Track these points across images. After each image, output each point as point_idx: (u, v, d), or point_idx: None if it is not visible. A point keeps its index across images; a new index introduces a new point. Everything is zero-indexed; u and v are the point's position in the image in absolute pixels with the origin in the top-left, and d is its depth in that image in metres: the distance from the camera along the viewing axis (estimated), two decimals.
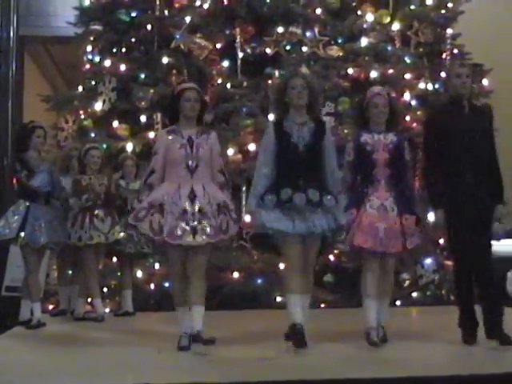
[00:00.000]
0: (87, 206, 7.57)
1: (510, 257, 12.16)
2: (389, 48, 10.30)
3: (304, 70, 9.18)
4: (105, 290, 8.52)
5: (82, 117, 10.18)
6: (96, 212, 7.60)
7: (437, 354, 5.39)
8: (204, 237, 5.48)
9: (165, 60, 9.93)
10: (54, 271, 8.55)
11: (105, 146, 9.25)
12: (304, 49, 9.90)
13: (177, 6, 10.28)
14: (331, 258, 8.80)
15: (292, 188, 5.50)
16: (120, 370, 5.01)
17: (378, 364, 5.06)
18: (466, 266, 5.69)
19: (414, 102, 9.95)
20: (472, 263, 5.66)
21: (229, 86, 9.76)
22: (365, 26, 10.26)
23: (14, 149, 7.55)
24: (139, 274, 8.70)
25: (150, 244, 7.91)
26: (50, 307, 8.41)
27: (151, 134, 9.48)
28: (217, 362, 5.20)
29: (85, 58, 10.69)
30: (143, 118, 9.83)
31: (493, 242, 5.78)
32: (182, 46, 9.86)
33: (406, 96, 9.87)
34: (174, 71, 9.82)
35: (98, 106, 10.01)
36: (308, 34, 10.00)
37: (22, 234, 6.98)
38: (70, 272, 8.01)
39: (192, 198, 5.52)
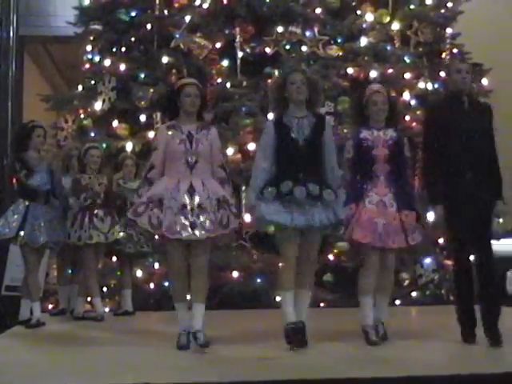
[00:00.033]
0: (86, 205, 7.57)
1: (510, 256, 12.18)
2: (388, 48, 10.31)
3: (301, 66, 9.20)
4: (104, 289, 8.53)
5: (82, 116, 10.18)
6: (96, 211, 7.60)
7: (436, 353, 5.40)
8: (203, 231, 5.47)
9: (164, 59, 9.93)
10: (53, 270, 8.56)
11: (104, 145, 9.26)
12: (304, 48, 9.90)
13: (176, 5, 10.29)
14: (331, 257, 8.80)
15: (292, 181, 5.51)
16: (120, 369, 5.01)
17: (377, 363, 5.05)
18: (466, 265, 5.70)
19: (413, 102, 9.95)
20: (473, 262, 5.67)
21: (228, 85, 9.76)
22: (364, 25, 10.27)
23: (13, 148, 7.55)
24: (139, 273, 8.70)
25: (149, 243, 7.92)
26: (50, 306, 8.42)
27: (151, 134, 9.48)
28: (216, 361, 5.20)
29: (84, 58, 10.69)
30: (143, 118, 9.83)
31: (492, 242, 5.80)
32: (182, 46, 9.87)
33: (406, 96, 9.88)
34: (174, 71, 9.82)
35: (98, 106, 10.01)
36: (308, 33, 10.00)
37: (22, 233, 6.98)
38: (70, 271, 8.00)
39: (191, 192, 5.52)
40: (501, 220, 6.59)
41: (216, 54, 10.01)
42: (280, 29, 9.86)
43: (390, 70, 9.94)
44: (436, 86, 10.18)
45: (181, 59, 9.88)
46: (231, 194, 5.84)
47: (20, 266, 7.54)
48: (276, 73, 9.40)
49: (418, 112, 9.57)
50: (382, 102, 5.85)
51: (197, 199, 5.50)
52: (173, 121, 5.82)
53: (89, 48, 10.61)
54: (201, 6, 10.11)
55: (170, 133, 5.69)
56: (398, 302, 8.72)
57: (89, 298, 7.79)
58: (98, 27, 10.49)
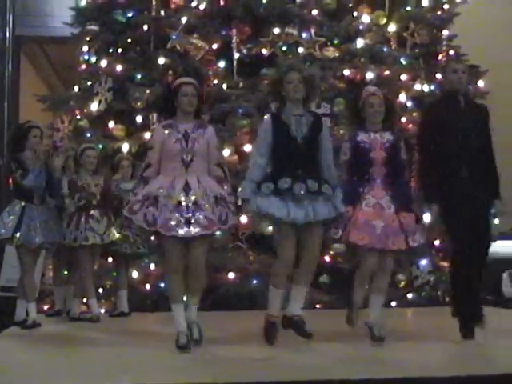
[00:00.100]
0: (81, 205, 7.56)
1: (505, 258, 12.19)
2: (385, 49, 10.32)
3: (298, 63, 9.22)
4: (100, 290, 8.52)
5: (78, 117, 10.17)
6: (92, 212, 7.59)
7: (433, 354, 5.40)
8: (198, 228, 5.46)
9: (161, 60, 9.92)
10: (49, 271, 8.55)
11: (101, 146, 9.23)
12: (300, 50, 9.91)
13: (173, 6, 10.29)
14: (327, 258, 8.80)
15: (291, 178, 5.53)
16: (116, 370, 5.01)
17: (374, 365, 5.05)
18: (465, 266, 5.70)
19: (409, 104, 9.95)
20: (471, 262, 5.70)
21: (225, 86, 9.77)
22: (361, 27, 10.27)
23: (9, 149, 7.54)
24: (135, 274, 8.69)
25: (145, 244, 7.92)
26: (46, 307, 8.41)
27: (147, 135, 9.48)
28: (212, 362, 5.20)
29: (81, 58, 10.68)
30: (139, 119, 9.82)
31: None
32: (178, 47, 9.87)
33: (402, 97, 9.88)
34: (170, 72, 9.82)
35: (94, 107, 10.00)
36: (304, 34, 10.00)
37: (18, 234, 6.96)
38: (66, 272, 7.99)
39: (187, 190, 5.52)
40: (496, 221, 6.58)
41: (212, 55, 10.02)
42: (276, 30, 9.86)
43: (387, 72, 9.96)
44: (432, 87, 10.19)
45: (177, 60, 9.88)
46: (230, 192, 5.83)
47: (16, 266, 7.53)
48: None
49: (415, 114, 9.58)
50: (378, 104, 5.86)
51: (192, 196, 5.50)
52: (169, 120, 5.83)
53: (85, 48, 10.60)
54: (197, 7, 10.12)
55: (166, 132, 5.70)
56: (393, 303, 8.74)
57: (84, 299, 7.79)
58: (94, 28, 10.48)
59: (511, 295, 12.42)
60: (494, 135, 5.99)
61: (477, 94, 10.09)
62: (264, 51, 9.87)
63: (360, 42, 10.14)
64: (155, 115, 9.44)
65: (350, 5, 10.55)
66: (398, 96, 9.77)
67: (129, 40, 10.38)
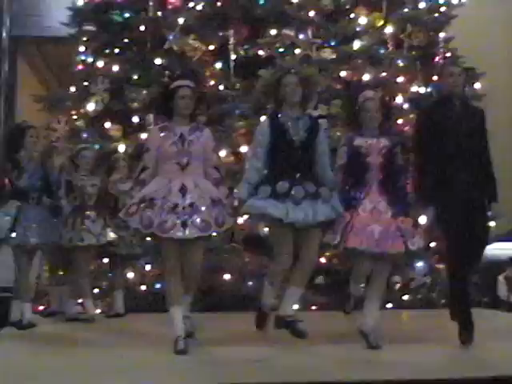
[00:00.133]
0: (77, 204, 7.56)
1: (501, 261, 12.21)
2: (382, 51, 10.32)
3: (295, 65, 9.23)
4: (96, 290, 8.50)
5: (75, 117, 10.15)
6: (87, 213, 7.58)
7: (428, 356, 5.39)
8: (194, 230, 5.46)
9: (158, 61, 9.92)
10: (45, 272, 8.53)
11: (97, 146, 9.23)
12: (297, 51, 9.90)
13: (170, 7, 10.27)
14: (323, 260, 8.79)
15: (289, 181, 5.54)
16: (111, 371, 5.01)
17: (370, 366, 5.06)
18: (462, 269, 5.70)
19: (406, 106, 9.95)
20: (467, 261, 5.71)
21: (222, 87, 9.77)
22: (358, 28, 10.27)
23: (5, 149, 7.52)
24: (130, 275, 8.68)
25: (141, 245, 7.91)
26: (41, 308, 8.39)
27: (144, 135, 9.47)
28: (210, 363, 5.21)
29: (77, 59, 10.65)
30: (136, 119, 9.81)
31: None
32: (175, 48, 9.86)
33: (399, 99, 9.88)
34: (167, 72, 9.81)
35: (91, 107, 9.98)
36: (301, 36, 9.99)
37: (13, 234, 6.96)
38: (61, 273, 7.98)
39: (183, 192, 5.52)
40: (492, 223, 6.59)
41: (209, 56, 10.01)
42: (273, 31, 9.86)
43: (384, 74, 9.96)
44: (429, 89, 10.19)
45: (174, 61, 9.87)
46: (226, 195, 5.83)
47: (11, 267, 7.51)
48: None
49: (411, 116, 9.57)
50: (375, 109, 5.86)
51: (188, 199, 5.50)
52: (165, 122, 5.82)
53: (82, 49, 10.56)
54: (194, 7, 10.10)
55: (162, 134, 5.70)
56: (389, 305, 8.73)
57: (80, 300, 7.77)
58: (91, 28, 10.46)
59: (507, 298, 12.48)
60: (489, 136, 6.00)
61: (473, 96, 10.09)
62: (261, 52, 9.86)
63: (357, 44, 10.14)
64: (152, 116, 9.43)
65: (347, 6, 10.54)
66: (394, 98, 9.77)
67: (126, 40, 10.37)
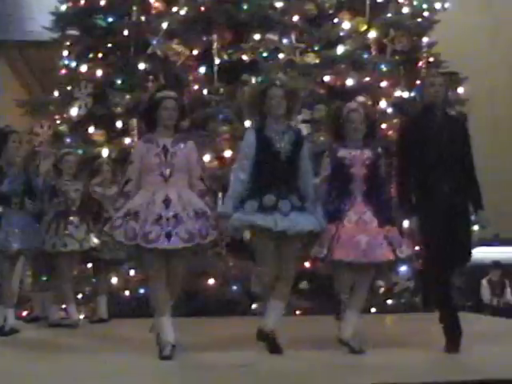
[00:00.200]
0: (61, 209, 7.52)
1: (484, 265, 12.27)
2: (365, 56, 10.36)
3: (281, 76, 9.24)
4: (79, 296, 8.47)
5: (58, 122, 10.12)
6: (71, 218, 7.54)
7: (412, 360, 5.39)
8: (178, 241, 5.45)
9: (141, 66, 9.92)
10: (28, 277, 8.49)
11: (80, 151, 9.20)
12: (280, 56, 9.91)
13: (154, 11, 10.28)
14: (307, 264, 8.79)
15: (275, 195, 5.53)
16: (95, 376, 4.97)
17: (353, 371, 5.06)
18: (445, 271, 5.71)
19: (390, 110, 9.99)
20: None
21: (205, 92, 9.76)
22: (341, 33, 10.32)
23: None
24: (114, 280, 8.66)
25: (125, 249, 7.89)
26: (24, 313, 8.35)
27: (127, 140, 9.46)
28: (194, 368, 5.19)
29: (61, 63, 10.63)
30: (119, 124, 9.81)
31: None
32: (159, 52, 9.87)
33: (382, 104, 9.92)
34: (151, 77, 9.81)
35: (74, 112, 9.97)
36: (285, 40, 10.02)
37: None
38: (44, 278, 7.94)
39: (167, 204, 5.51)
40: (476, 227, 6.60)
41: (193, 61, 10.01)
42: (257, 36, 9.87)
43: (367, 78, 9.99)
44: (412, 94, 10.22)
45: (158, 65, 9.88)
46: (212, 206, 5.83)
47: None
48: (253, 80, 9.42)
49: (395, 120, 9.61)
50: (359, 120, 5.86)
51: (172, 210, 5.49)
52: (149, 134, 5.82)
53: (65, 53, 10.55)
54: (178, 12, 10.11)
55: (145, 146, 5.69)
56: (373, 309, 8.75)
57: (63, 305, 7.74)
58: (74, 32, 10.45)
59: (490, 301, 12.54)
60: (473, 141, 6.01)
61: (457, 100, 10.15)
62: (245, 57, 9.88)
63: (340, 49, 10.18)
64: (135, 120, 9.41)
65: (331, 11, 10.59)
66: (378, 102, 9.81)
67: (109, 45, 10.37)
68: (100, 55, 10.42)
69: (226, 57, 9.97)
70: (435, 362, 5.42)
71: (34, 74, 15.34)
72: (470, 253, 5.85)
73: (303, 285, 8.78)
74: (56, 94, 10.66)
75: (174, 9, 10.16)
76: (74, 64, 10.40)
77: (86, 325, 7.76)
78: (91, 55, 10.45)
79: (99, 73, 10.06)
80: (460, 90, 10.48)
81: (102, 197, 7.90)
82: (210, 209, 5.71)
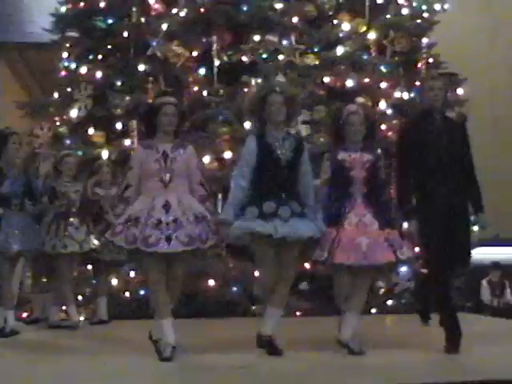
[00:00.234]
0: (61, 211, 7.52)
1: (484, 265, 12.27)
2: (365, 57, 10.36)
3: (280, 78, 9.26)
4: (79, 297, 8.47)
5: (58, 124, 10.13)
6: (71, 220, 7.55)
7: (412, 361, 5.39)
8: (178, 244, 5.45)
9: (141, 67, 9.92)
10: (28, 279, 8.49)
11: (80, 153, 9.20)
12: (280, 57, 9.92)
13: (153, 13, 10.28)
14: (307, 265, 8.79)
15: (275, 201, 5.53)
16: (96, 378, 4.98)
17: (353, 372, 5.06)
18: (444, 272, 5.71)
19: (389, 111, 9.99)
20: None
21: (205, 93, 9.77)
22: (341, 34, 10.32)
23: None
24: (114, 281, 8.66)
25: (125, 253, 7.89)
26: (24, 315, 8.35)
27: (127, 141, 9.47)
28: (194, 369, 5.19)
29: (61, 65, 10.64)
30: (119, 125, 9.81)
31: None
32: (159, 54, 9.87)
33: (382, 105, 9.92)
34: (151, 78, 9.82)
35: (74, 113, 9.98)
36: (284, 42, 10.02)
37: None
38: (44, 280, 7.95)
39: (167, 209, 5.51)
40: (475, 228, 6.60)
41: (193, 62, 10.01)
42: (257, 37, 9.87)
43: (367, 79, 9.99)
44: (412, 95, 10.23)
45: (157, 67, 9.89)
46: (213, 211, 5.83)
47: None
48: (253, 81, 9.42)
49: (394, 121, 9.61)
50: (358, 122, 5.86)
51: (172, 215, 5.49)
52: (149, 139, 5.82)
53: (65, 55, 10.56)
54: (178, 14, 10.11)
55: (145, 152, 5.69)
56: (373, 310, 8.75)
57: (64, 307, 7.74)
58: (74, 34, 10.46)
59: (490, 302, 12.54)
60: (473, 142, 6.01)
61: (456, 101, 10.15)
62: (244, 58, 9.88)
63: (340, 50, 10.18)
64: (135, 122, 9.41)
65: (330, 13, 10.59)
66: (377, 103, 9.81)
67: (109, 47, 10.38)
68: (100, 57, 10.43)
69: (225, 58, 9.97)
70: (435, 362, 5.42)
71: (33, 76, 15.36)
72: (470, 254, 5.86)
73: (303, 286, 8.78)
74: (56, 95, 10.68)
75: (174, 10, 10.16)
76: (73, 66, 10.42)
77: (86, 326, 7.75)
78: (91, 57, 10.46)
79: (99, 74, 10.07)
80: (460, 90, 10.49)
81: (102, 198, 7.89)
82: (211, 214, 5.71)
